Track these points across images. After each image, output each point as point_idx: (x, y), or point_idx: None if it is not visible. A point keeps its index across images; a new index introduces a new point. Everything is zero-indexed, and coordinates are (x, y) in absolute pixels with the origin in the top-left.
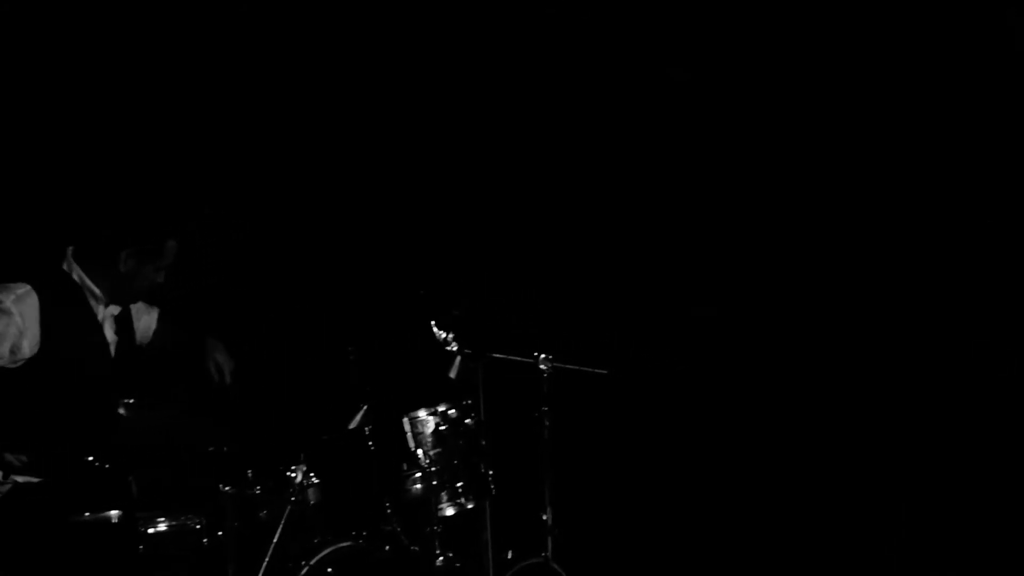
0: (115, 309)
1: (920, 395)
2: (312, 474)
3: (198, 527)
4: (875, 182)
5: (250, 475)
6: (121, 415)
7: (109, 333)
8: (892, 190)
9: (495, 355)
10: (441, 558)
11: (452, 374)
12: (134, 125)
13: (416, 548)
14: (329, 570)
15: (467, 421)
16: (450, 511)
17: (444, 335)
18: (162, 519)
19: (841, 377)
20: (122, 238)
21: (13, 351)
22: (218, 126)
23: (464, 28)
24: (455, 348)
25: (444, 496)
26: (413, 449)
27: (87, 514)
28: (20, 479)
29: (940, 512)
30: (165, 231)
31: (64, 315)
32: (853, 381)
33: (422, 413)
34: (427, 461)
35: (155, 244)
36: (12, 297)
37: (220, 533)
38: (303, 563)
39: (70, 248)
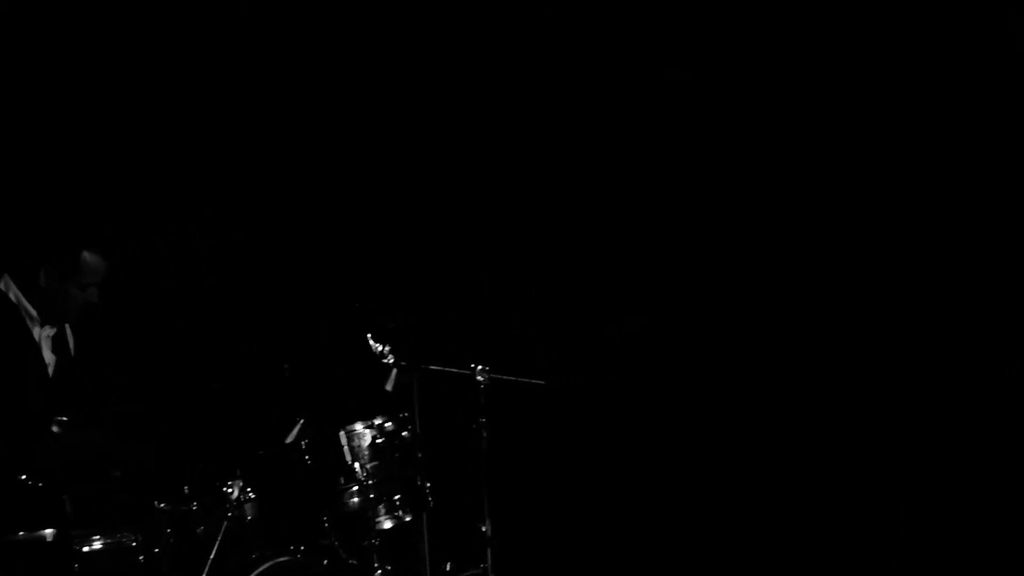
0: (50, 330)
1: (919, 395)
2: (249, 489)
3: (134, 544)
4: (875, 181)
5: (186, 491)
6: (54, 433)
7: (47, 354)
8: (893, 189)
9: (431, 367)
10: (379, 571)
11: (388, 387)
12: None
13: (354, 562)
14: None
15: (404, 434)
16: (388, 524)
17: (380, 347)
18: (97, 537)
19: (837, 378)
20: (38, 253)
21: None
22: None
23: (461, 27)
24: (391, 360)
25: (382, 509)
26: (350, 463)
27: (21, 533)
28: None
29: (940, 512)
30: (78, 243)
31: (1, 334)
32: (850, 381)
33: (359, 426)
34: (364, 474)
35: (70, 258)
36: None
37: (156, 550)
38: None
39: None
